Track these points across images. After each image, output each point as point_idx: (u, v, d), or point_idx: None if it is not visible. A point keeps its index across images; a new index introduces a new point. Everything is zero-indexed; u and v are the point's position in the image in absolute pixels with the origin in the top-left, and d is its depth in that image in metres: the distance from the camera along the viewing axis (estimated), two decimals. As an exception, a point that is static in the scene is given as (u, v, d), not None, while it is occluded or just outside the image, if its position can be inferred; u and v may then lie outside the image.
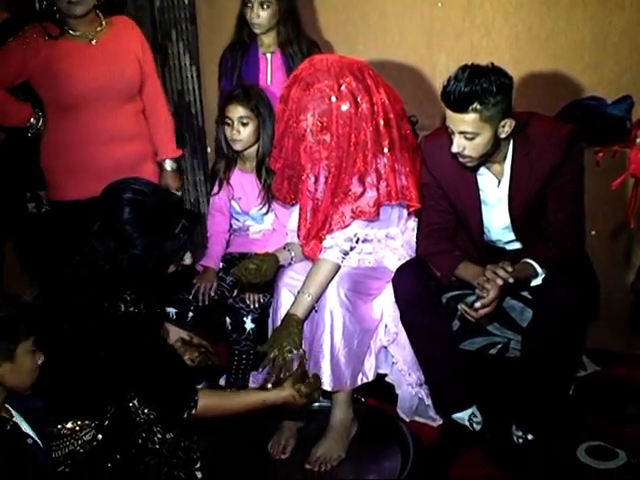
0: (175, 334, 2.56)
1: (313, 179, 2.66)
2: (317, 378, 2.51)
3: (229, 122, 3.05)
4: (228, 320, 3.00)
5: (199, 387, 2.39)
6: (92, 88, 2.97)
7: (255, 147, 3.10)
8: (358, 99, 2.58)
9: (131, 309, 2.15)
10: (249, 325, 2.96)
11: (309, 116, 2.57)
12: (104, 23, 3.03)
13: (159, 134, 3.17)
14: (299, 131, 2.60)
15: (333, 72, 2.58)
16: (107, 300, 2.13)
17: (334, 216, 2.66)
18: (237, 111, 3.03)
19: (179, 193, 3.18)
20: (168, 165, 3.21)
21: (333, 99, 2.56)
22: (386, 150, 2.64)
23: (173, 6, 3.76)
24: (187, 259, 2.29)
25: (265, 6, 3.19)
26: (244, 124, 3.03)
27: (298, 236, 2.75)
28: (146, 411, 2.20)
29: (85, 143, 3.04)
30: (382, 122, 2.62)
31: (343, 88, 2.56)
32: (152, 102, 3.14)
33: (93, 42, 2.99)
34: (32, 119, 3.04)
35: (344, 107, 2.56)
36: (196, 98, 3.75)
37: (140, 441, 2.18)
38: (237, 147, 3.09)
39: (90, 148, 3.04)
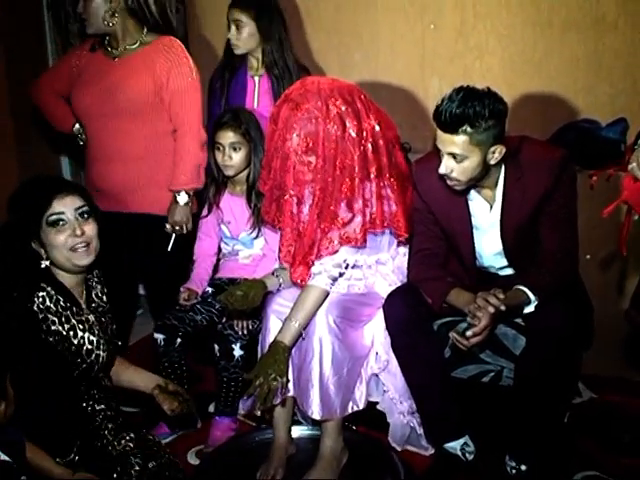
0: (151, 381, 2.44)
1: (296, 200, 2.61)
2: None
3: (220, 147, 3.01)
4: (217, 347, 2.96)
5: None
6: (89, 103, 3.02)
7: (246, 172, 3.06)
8: (346, 122, 2.55)
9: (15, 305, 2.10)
10: (238, 352, 2.92)
11: (295, 136, 2.53)
12: (140, 42, 3.02)
13: (175, 162, 3.03)
14: (285, 150, 2.57)
15: (323, 94, 2.55)
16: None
17: (322, 242, 2.61)
18: (228, 137, 3.00)
19: (177, 228, 3.06)
20: (176, 197, 3.04)
21: (320, 120, 2.52)
22: (373, 176, 2.60)
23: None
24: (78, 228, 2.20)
25: (242, 26, 3.19)
26: (235, 149, 3.00)
27: (278, 257, 2.71)
28: (122, 442, 2.15)
29: (93, 159, 3.12)
30: (370, 148, 2.58)
31: (332, 110, 2.53)
32: (176, 126, 3.03)
33: (115, 60, 3.03)
34: (77, 125, 3.19)
35: (331, 129, 2.53)
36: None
37: (116, 475, 2.12)
38: (229, 173, 3.05)
39: (96, 164, 3.11)
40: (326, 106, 2.53)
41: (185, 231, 3.09)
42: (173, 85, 2.98)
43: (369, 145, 2.58)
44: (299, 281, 2.65)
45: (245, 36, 3.21)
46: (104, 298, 2.37)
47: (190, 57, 3.06)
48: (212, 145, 3.06)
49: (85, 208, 2.21)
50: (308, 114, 2.52)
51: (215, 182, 3.14)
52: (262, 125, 3.01)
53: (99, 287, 2.37)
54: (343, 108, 2.55)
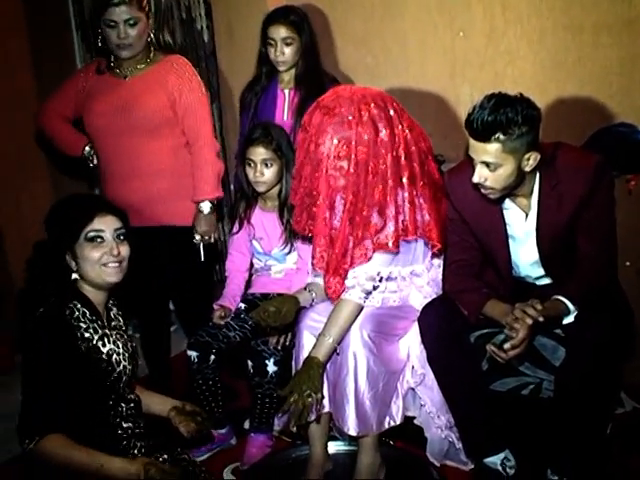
0: (167, 404, 2.41)
1: (328, 206, 2.57)
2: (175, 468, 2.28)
3: (251, 164, 3.00)
4: (250, 363, 2.95)
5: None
6: (104, 123, 3.06)
7: (277, 187, 3.05)
8: (379, 127, 2.52)
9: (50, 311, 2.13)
10: (271, 368, 2.90)
11: (327, 140, 2.51)
12: (149, 60, 3.07)
13: (196, 174, 3.10)
14: (317, 156, 2.54)
15: (355, 99, 2.53)
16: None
17: (355, 250, 2.58)
18: (259, 153, 2.98)
19: (206, 238, 3.12)
20: (200, 207, 3.11)
21: (353, 124, 2.49)
22: (405, 183, 2.56)
23: (194, 45, 3.79)
24: (114, 246, 2.23)
25: (290, 43, 3.20)
26: (267, 165, 2.99)
27: (312, 264, 2.67)
28: None
29: (109, 177, 3.16)
30: (403, 154, 2.55)
31: (364, 114, 2.51)
32: (192, 140, 3.10)
33: (127, 79, 3.07)
34: (87, 148, 3.19)
35: (363, 133, 2.50)
36: (217, 135, 3.71)
37: None
38: (261, 189, 3.04)
39: (113, 182, 3.14)
40: (358, 110, 2.50)
41: (213, 240, 3.17)
42: (186, 100, 3.06)
43: (401, 151, 2.55)
44: (334, 296, 2.62)
45: (293, 53, 3.22)
46: (121, 320, 2.37)
47: (197, 73, 3.16)
48: (243, 161, 3.05)
49: (123, 230, 2.25)
50: (341, 118, 2.50)
51: (245, 198, 3.13)
52: (292, 139, 3.00)
53: (115, 309, 2.37)
54: (375, 112, 2.52)
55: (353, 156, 2.50)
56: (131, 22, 2.95)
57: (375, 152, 2.52)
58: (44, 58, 3.98)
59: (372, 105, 2.52)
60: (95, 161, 3.21)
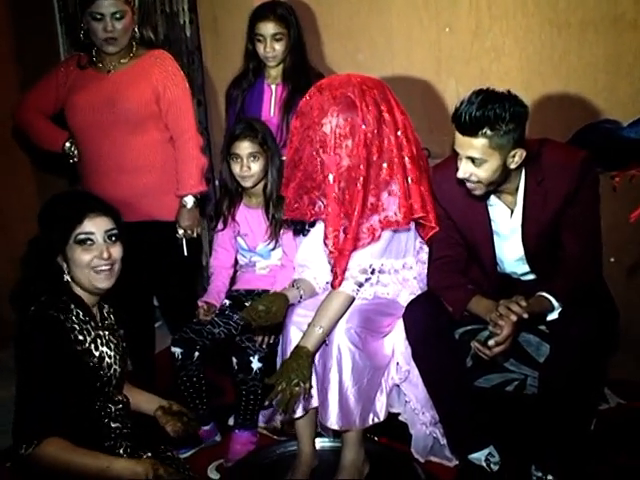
0: (154, 403, 2.39)
1: (337, 184, 2.55)
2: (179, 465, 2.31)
3: (237, 158, 2.99)
4: (235, 360, 2.94)
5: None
6: (88, 118, 3.03)
7: (262, 183, 3.04)
8: (382, 107, 2.54)
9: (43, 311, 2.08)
10: (256, 365, 2.89)
11: (333, 118, 2.50)
12: (132, 55, 3.05)
13: (180, 168, 3.09)
14: (321, 136, 2.52)
15: (356, 82, 2.54)
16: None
17: (362, 228, 2.56)
18: (245, 147, 2.97)
19: (189, 232, 3.10)
20: (184, 201, 3.10)
21: (357, 103, 2.50)
22: (408, 162, 2.58)
23: (177, 39, 3.76)
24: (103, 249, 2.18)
25: (279, 38, 3.18)
26: (254, 159, 2.98)
27: (325, 244, 2.61)
28: None
29: (92, 172, 3.12)
30: (402, 135, 2.58)
31: (367, 95, 2.52)
32: (177, 135, 3.08)
33: (110, 73, 3.05)
34: (67, 144, 3.15)
35: (367, 113, 2.51)
36: (202, 131, 3.69)
37: None
38: (247, 184, 3.02)
39: (97, 177, 3.11)
40: (361, 91, 2.52)
41: (195, 234, 3.14)
42: (170, 95, 3.04)
43: (401, 133, 2.57)
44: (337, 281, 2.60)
45: (282, 48, 3.20)
46: (112, 317, 2.34)
47: (180, 68, 3.14)
48: (228, 156, 3.03)
49: (115, 231, 2.20)
50: (344, 98, 2.50)
51: (229, 194, 3.12)
52: (278, 136, 2.98)
53: (107, 307, 2.35)
54: (376, 93, 2.55)
55: (358, 135, 2.50)
56: (117, 15, 2.92)
57: (380, 131, 2.53)
58: (28, 52, 3.95)
59: (373, 88, 2.55)
60: (76, 157, 3.17)
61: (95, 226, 2.15)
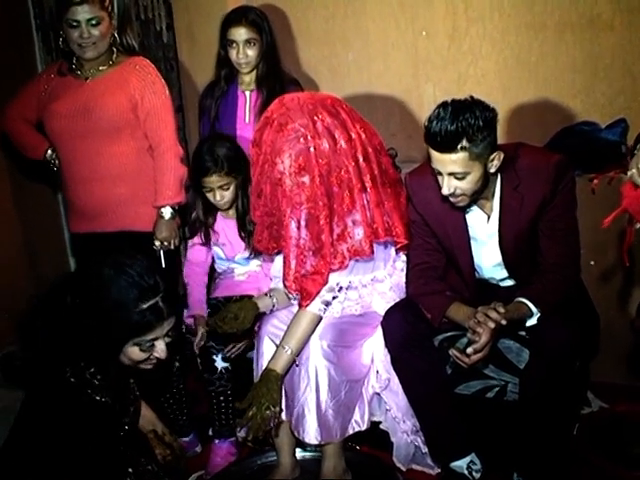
0: (150, 424, 2.35)
1: (296, 224, 2.52)
2: None
3: (209, 190, 2.96)
4: (199, 360, 2.91)
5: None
6: (64, 125, 3.00)
7: (235, 203, 3.03)
8: (335, 135, 2.48)
9: (98, 397, 2.00)
10: (220, 364, 2.87)
11: (285, 158, 2.46)
12: (111, 62, 3.02)
13: (158, 178, 3.02)
14: (275, 175, 2.49)
15: (306, 110, 2.48)
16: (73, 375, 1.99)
17: (333, 259, 2.53)
18: (214, 181, 2.93)
19: (166, 244, 3.03)
20: (161, 212, 3.02)
21: (309, 138, 2.45)
22: (368, 186, 2.53)
23: (154, 45, 3.73)
24: (160, 352, 2.04)
25: (252, 44, 3.14)
26: (224, 189, 2.95)
27: (285, 286, 2.61)
28: None
29: (69, 180, 3.10)
30: (361, 157, 2.52)
31: (318, 125, 2.46)
32: (155, 144, 3.03)
33: (88, 81, 3.01)
34: (49, 151, 3.14)
35: (322, 145, 2.46)
36: (179, 139, 3.66)
37: None
38: (224, 207, 3.02)
39: (73, 185, 3.09)
40: (312, 122, 2.46)
41: (173, 246, 3.07)
42: (148, 104, 2.99)
43: (360, 155, 2.52)
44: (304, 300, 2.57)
45: (255, 54, 3.15)
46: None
47: (161, 76, 3.08)
48: (197, 187, 3.00)
49: (173, 334, 2.08)
50: (295, 133, 2.45)
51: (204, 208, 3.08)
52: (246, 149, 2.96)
53: None
54: (329, 121, 2.48)
55: (314, 170, 2.46)
56: (93, 22, 2.88)
57: (336, 161, 2.48)
58: (4, 60, 3.91)
59: (324, 114, 2.48)
60: (57, 165, 3.15)
61: (161, 331, 2.01)
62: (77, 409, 1.97)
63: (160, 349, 2.03)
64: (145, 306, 1.95)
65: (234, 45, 3.14)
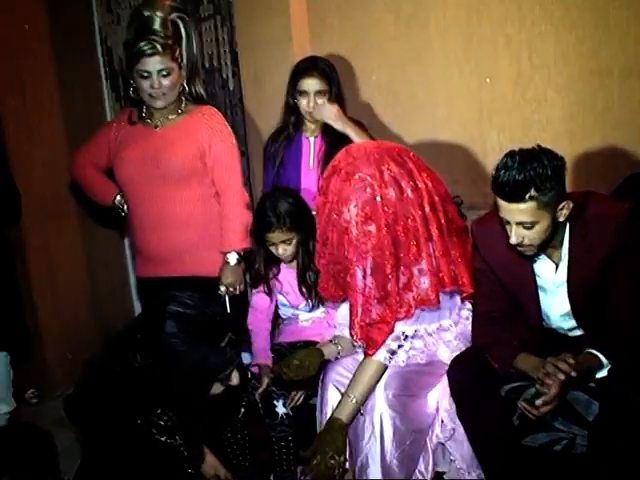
0: (212, 468, 2.38)
1: (362, 273, 2.52)
2: None
3: (272, 245, 3.00)
4: (260, 405, 2.91)
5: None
6: (134, 172, 3.07)
7: (297, 258, 3.06)
8: (402, 185, 2.49)
9: (162, 438, 2.02)
10: (281, 409, 2.87)
11: (352, 207, 2.47)
12: (180, 111, 3.09)
13: (224, 224, 3.09)
14: (342, 224, 2.50)
15: (373, 159, 2.49)
16: (139, 416, 2.01)
17: (399, 308, 2.53)
18: (277, 237, 2.96)
19: (231, 289, 3.08)
20: (227, 257, 3.08)
21: (376, 187, 2.46)
22: (434, 235, 2.53)
23: (218, 93, 3.83)
24: (234, 379, 2.11)
25: (322, 94, 3.20)
26: (287, 244, 2.98)
27: (351, 335, 2.59)
28: None
29: (137, 226, 3.17)
30: (428, 206, 2.52)
31: (385, 174, 2.47)
32: (222, 191, 3.09)
33: (158, 129, 3.08)
34: (118, 197, 3.20)
35: (388, 194, 2.47)
36: (244, 185, 3.72)
37: None
38: (287, 260, 3.06)
39: (141, 231, 3.15)
40: (379, 171, 2.47)
41: (238, 292, 3.12)
42: (216, 151, 3.06)
43: (426, 204, 2.52)
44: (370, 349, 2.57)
45: (325, 103, 3.19)
46: None
47: (228, 124, 3.16)
48: (260, 241, 3.03)
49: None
50: (362, 183, 2.46)
51: (266, 267, 3.12)
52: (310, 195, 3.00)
53: None
54: (396, 170, 2.49)
55: (380, 219, 2.47)
56: (164, 73, 2.95)
57: (403, 210, 2.48)
58: (75, 107, 4.04)
59: (392, 163, 2.49)
60: (126, 210, 3.21)
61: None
62: (142, 449, 1.99)
63: (234, 377, 2.10)
64: (223, 344, 2.03)
65: (305, 95, 3.19)
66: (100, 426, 2.02)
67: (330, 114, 3.09)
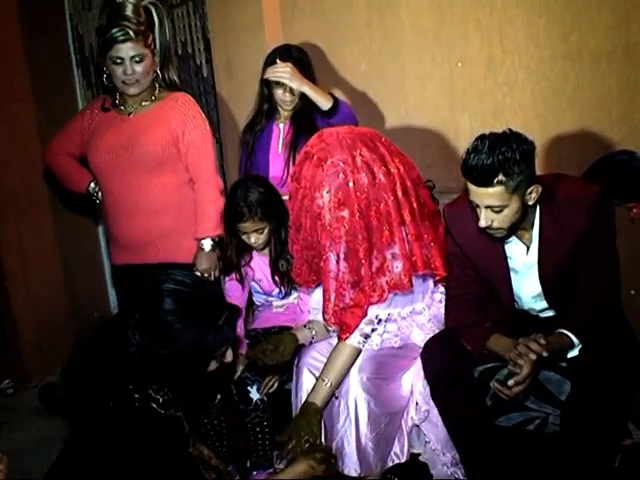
0: (195, 448, 2.39)
1: (335, 258, 2.54)
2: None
3: (244, 234, 2.98)
4: (234, 391, 2.92)
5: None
6: (107, 159, 3.06)
7: (269, 246, 3.05)
8: (374, 170, 2.50)
9: (162, 411, 2.01)
10: (255, 395, 2.87)
11: (325, 193, 2.48)
12: (154, 98, 3.08)
13: (199, 211, 3.08)
14: (315, 209, 2.51)
15: (345, 145, 2.50)
16: (136, 391, 1.99)
17: (372, 292, 2.54)
18: (248, 227, 2.94)
19: (206, 275, 3.07)
20: (202, 244, 3.08)
21: (348, 172, 2.47)
22: (407, 219, 2.55)
23: (193, 79, 3.80)
24: (228, 356, 2.11)
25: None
26: (259, 232, 2.96)
27: (325, 319, 2.62)
28: None
29: (112, 213, 3.16)
30: (400, 191, 2.53)
31: (357, 160, 2.48)
32: (196, 177, 3.08)
33: (131, 116, 3.07)
34: (92, 184, 3.20)
35: (361, 179, 2.48)
36: (218, 170, 3.71)
37: None
38: (259, 249, 3.05)
39: (116, 218, 3.15)
40: (352, 157, 2.48)
41: (213, 278, 3.11)
42: (189, 137, 3.05)
43: (399, 189, 2.53)
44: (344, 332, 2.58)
45: (300, 92, 3.15)
46: None
47: (202, 110, 3.14)
48: (231, 230, 3.01)
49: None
50: (334, 168, 2.47)
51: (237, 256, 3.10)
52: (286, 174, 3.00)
53: None
54: (368, 155, 2.50)
55: (353, 204, 2.48)
56: (137, 59, 2.94)
57: (375, 196, 2.50)
58: (45, 95, 4.01)
59: (364, 149, 2.50)
60: (100, 198, 3.20)
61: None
62: (144, 422, 1.99)
63: (229, 354, 2.11)
64: (221, 322, 2.02)
65: (280, 84, 3.16)
66: (94, 407, 1.99)
67: (284, 74, 3.03)
